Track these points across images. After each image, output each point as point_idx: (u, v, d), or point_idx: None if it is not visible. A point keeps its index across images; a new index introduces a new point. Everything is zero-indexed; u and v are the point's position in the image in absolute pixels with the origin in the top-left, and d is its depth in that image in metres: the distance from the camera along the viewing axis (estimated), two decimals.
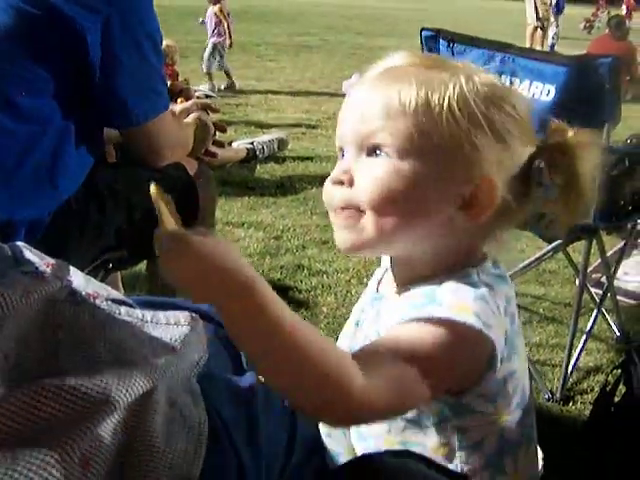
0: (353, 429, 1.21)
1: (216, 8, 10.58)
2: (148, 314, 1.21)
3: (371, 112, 1.10)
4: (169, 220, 0.92)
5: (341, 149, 1.16)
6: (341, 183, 1.12)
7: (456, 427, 1.10)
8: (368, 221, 1.09)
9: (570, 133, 1.13)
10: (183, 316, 1.23)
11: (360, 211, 1.10)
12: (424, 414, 1.10)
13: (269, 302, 0.87)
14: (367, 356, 0.98)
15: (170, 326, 1.20)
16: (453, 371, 1.04)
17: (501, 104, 1.10)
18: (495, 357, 1.04)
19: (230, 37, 10.61)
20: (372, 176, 1.09)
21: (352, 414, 0.95)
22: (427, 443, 1.12)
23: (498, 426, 1.12)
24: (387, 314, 1.15)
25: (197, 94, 7.93)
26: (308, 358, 0.89)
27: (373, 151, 1.09)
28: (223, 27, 10.53)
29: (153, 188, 0.96)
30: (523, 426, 1.17)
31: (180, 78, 9.42)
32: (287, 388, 0.93)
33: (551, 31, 18.22)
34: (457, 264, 1.11)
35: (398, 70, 1.13)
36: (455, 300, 1.04)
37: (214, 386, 1.24)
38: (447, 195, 1.08)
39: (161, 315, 1.22)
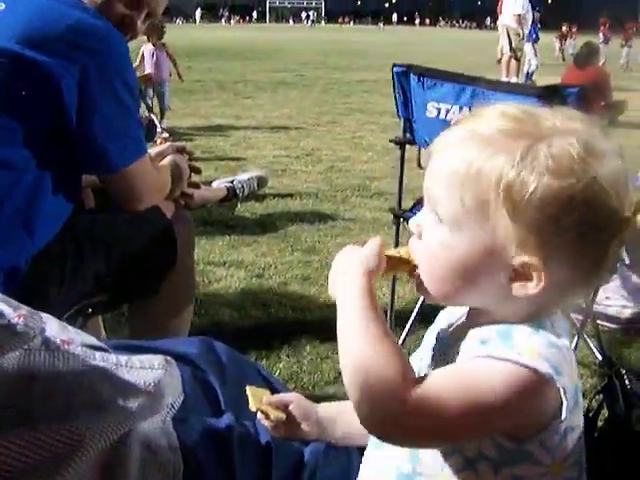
0: (407, 465, 1.17)
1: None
2: (123, 358, 1.22)
3: (437, 178, 1.11)
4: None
5: None
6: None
7: (510, 475, 1.08)
8: (422, 278, 1.15)
9: None
10: (157, 360, 1.25)
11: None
12: (481, 456, 1.08)
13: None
14: (428, 379, 1.04)
15: (144, 370, 1.21)
16: (513, 414, 1.03)
17: (557, 173, 1.02)
18: (562, 405, 1.04)
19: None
20: (427, 243, 1.13)
21: (402, 418, 0.99)
22: None
23: (551, 479, 1.11)
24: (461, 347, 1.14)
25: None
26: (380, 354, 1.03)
27: (437, 215, 1.11)
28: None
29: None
30: None
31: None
32: (356, 378, 1.04)
33: (531, 60, 18.33)
34: (529, 317, 1.10)
35: (476, 135, 1.08)
36: (528, 344, 1.04)
37: (190, 428, 1.25)
38: (495, 268, 1.07)
39: (135, 359, 1.23)
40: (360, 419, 1.03)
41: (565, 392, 1.03)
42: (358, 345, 1.05)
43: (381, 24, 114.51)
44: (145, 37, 9.79)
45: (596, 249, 1.05)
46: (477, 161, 1.04)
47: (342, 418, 1.39)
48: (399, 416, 0.99)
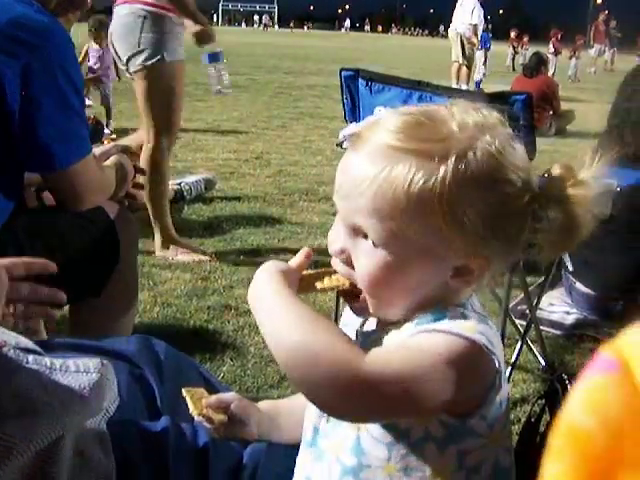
0: (351, 458, 1.16)
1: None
2: (57, 362, 1.19)
3: (353, 202, 1.09)
4: None
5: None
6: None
7: (455, 451, 1.10)
8: (370, 302, 1.15)
9: (570, 185, 1.11)
10: (93, 363, 1.22)
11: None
12: (427, 438, 1.09)
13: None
14: (374, 351, 1.04)
15: (79, 374, 1.19)
16: (457, 383, 1.04)
17: (488, 178, 1.07)
18: (498, 375, 1.07)
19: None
20: (363, 267, 1.12)
21: (360, 386, 0.99)
22: (426, 469, 1.11)
23: (492, 451, 1.13)
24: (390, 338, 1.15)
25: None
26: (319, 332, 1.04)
27: (365, 235, 1.10)
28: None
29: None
30: (511, 454, 1.18)
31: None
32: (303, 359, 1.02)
33: (480, 68, 18.61)
34: (453, 305, 1.13)
35: (381, 152, 1.07)
36: (463, 320, 1.08)
37: (125, 432, 1.23)
38: (437, 270, 1.11)
39: (71, 363, 1.20)
40: (313, 399, 1.03)
41: (499, 362, 1.06)
42: (293, 327, 1.05)
43: (344, 29, 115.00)
44: (89, 36, 9.80)
45: (517, 229, 1.11)
46: (411, 184, 1.04)
47: (285, 415, 1.39)
48: (357, 386, 0.99)
